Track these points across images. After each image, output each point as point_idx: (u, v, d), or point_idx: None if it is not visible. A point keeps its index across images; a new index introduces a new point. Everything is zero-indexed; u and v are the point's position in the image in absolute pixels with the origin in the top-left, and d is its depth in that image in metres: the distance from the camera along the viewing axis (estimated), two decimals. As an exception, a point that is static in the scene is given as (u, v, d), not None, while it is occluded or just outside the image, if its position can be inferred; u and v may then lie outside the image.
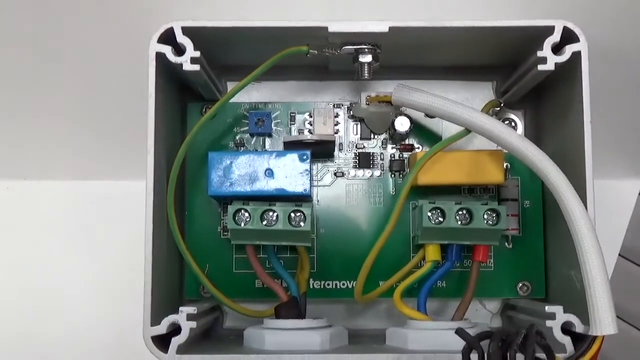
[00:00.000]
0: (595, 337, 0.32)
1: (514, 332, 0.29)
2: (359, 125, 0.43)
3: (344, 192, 0.42)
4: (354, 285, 0.39)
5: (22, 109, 0.47)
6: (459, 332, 0.30)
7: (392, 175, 0.42)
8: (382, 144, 0.43)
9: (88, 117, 0.47)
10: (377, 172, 0.42)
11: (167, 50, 0.36)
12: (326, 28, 0.36)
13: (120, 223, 0.49)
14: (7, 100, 0.47)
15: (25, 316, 0.49)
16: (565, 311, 0.35)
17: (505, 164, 0.42)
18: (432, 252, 0.39)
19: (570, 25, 0.36)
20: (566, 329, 0.35)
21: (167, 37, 0.36)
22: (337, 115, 0.43)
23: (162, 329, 0.35)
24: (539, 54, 0.36)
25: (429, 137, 0.42)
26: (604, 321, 0.32)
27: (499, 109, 0.42)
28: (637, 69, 0.44)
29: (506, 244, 0.42)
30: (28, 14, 0.41)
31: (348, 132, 0.43)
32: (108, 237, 0.49)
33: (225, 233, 0.42)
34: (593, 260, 0.32)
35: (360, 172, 0.43)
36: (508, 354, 0.28)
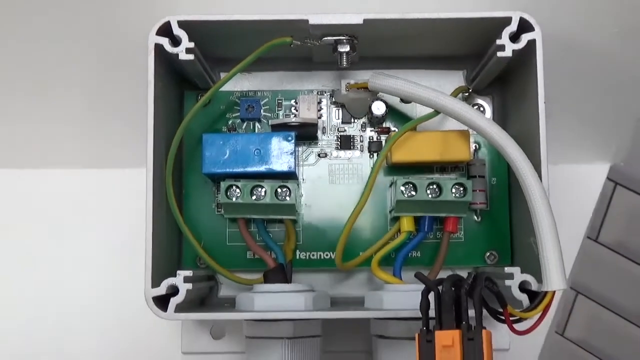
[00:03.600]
0: (546, 293, 0.36)
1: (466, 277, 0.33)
2: (340, 111, 0.47)
3: (326, 171, 0.46)
4: (336, 255, 0.43)
5: (28, 102, 0.50)
6: (418, 275, 0.34)
7: (371, 156, 0.46)
8: (361, 127, 0.46)
9: (91, 109, 0.51)
10: (357, 153, 0.46)
11: (164, 41, 0.40)
12: (307, 20, 0.39)
13: (122, 209, 0.52)
14: (15, 93, 0.50)
15: (39, 295, 0.52)
16: (522, 272, 0.39)
17: (473, 145, 0.46)
18: (407, 224, 0.43)
19: (526, 16, 0.39)
20: (523, 287, 0.38)
21: (165, 30, 0.40)
22: (320, 102, 0.46)
23: (161, 290, 0.38)
24: (498, 42, 0.40)
25: (404, 120, 0.46)
26: (554, 278, 0.35)
27: (467, 94, 0.46)
28: (599, 58, 0.47)
29: (475, 217, 0.46)
30: (36, 8, 0.44)
31: (330, 117, 0.47)
32: (111, 221, 0.52)
33: (219, 209, 0.46)
34: (544, 223, 0.36)
35: (342, 153, 0.46)
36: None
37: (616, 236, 1.16)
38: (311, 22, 0.40)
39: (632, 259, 1.16)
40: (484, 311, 0.36)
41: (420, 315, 0.33)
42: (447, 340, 0.32)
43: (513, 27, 0.40)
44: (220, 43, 0.43)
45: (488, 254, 0.46)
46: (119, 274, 0.50)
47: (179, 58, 0.40)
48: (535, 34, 0.39)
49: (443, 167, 0.46)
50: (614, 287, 1.22)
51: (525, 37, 0.39)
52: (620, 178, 1.10)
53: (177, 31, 0.40)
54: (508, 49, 0.40)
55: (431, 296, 0.33)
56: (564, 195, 0.52)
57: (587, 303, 1.26)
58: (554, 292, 0.36)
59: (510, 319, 0.36)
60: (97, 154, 0.53)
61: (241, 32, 0.41)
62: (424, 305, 0.33)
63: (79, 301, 0.51)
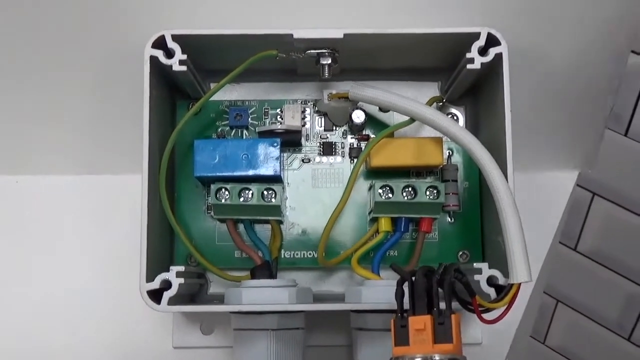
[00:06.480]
0: (512, 285, 0.39)
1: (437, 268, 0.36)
2: (322, 119, 0.49)
3: (310, 175, 0.49)
4: (319, 254, 0.46)
5: (27, 110, 0.52)
6: (393, 266, 0.37)
7: (351, 161, 0.49)
8: (342, 135, 0.49)
9: (88, 117, 0.53)
10: (338, 159, 0.49)
11: (159, 53, 0.43)
12: (292, 35, 0.43)
13: (116, 213, 0.54)
14: (14, 101, 0.52)
15: (35, 294, 0.54)
16: (490, 267, 0.42)
17: (447, 151, 0.49)
18: (384, 224, 0.46)
19: (493, 32, 0.43)
20: (491, 282, 0.41)
21: (160, 43, 0.43)
22: (304, 111, 0.49)
23: (155, 284, 0.41)
24: (468, 55, 0.43)
25: (383, 128, 0.48)
26: (519, 271, 0.38)
27: (441, 104, 0.49)
28: (563, 70, 0.51)
29: (448, 218, 0.49)
30: (40, 20, 0.47)
31: (314, 125, 0.49)
32: (107, 225, 0.55)
33: (209, 211, 0.48)
34: (510, 220, 0.38)
35: (324, 159, 0.49)
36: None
37: (594, 245, 1.20)
38: (295, 36, 0.43)
39: (610, 268, 1.20)
40: (458, 304, 0.39)
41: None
42: (420, 324, 0.35)
43: (482, 41, 0.43)
44: (211, 55, 0.45)
45: (461, 252, 0.49)
46: (114, 275, 0.53)
47: (173, 69, 0.43)
48: (502, 48, 0.43)
49: (419, 171, 0.49)
50: (593, 295, 1.25)
51: (492, 51, 0.43)
52: (598, 188, 1.13)
53: (171, 44, 0.43)
54: (477, 61, 0.43)
55: (405, 286, 0.37)
56: (534, 201, 0.55)
57: (567, 311, 1.29)
58: (519, 284, 0.38)
59: (480, 309, 0.39)
60: (93, 160, 0.55)
61: (230, 45, 0.44)
62: (399, 293, 0.36)
63: (74, 300, 0.53)
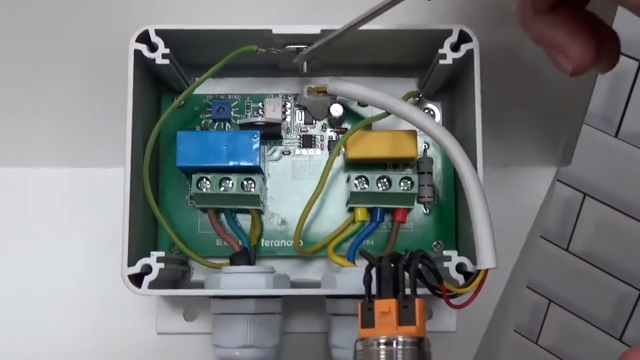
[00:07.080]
0: (479, 271, 0.40)
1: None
2: (302, 112, 0.51)
3: (290, 167, 0.50)
4: (298, 243, 0.48)
5: (15, 102, 0.54)
6: (362, 252, 0.38)
7: (330, 154, 0.51)
8: (322, 128, 0.51)
9: (75, 110, 0.54)
10: (317, 151, 0.51)
11: (143, 47, 0.44)
12: (270, 30, 0.44)
13: (103, 205, 0.54)
14: (2, 93, 0.53)
15: (22, 283, 0.55)
16: (459, 255, 0.43)
17: (423, 144, 0.51)
18: (360, 214, 0.48)
19: (465, 29, 0.44)
20: (460, 269, 0.43)
21: (143, 37, 0.44)
22: (285, 104, 0.51)
23: (136, 269, 0.43)
24: (440, 51, 0.44)
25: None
26: (486, 258, 0.39)
27: (417, 99, 0.51)
28: (540, 68, 0.52)
29: (423, 209, 0.50)
30: (26, 14, 0.49)
31: (294, 118, 0.51)
32: (96, 217, 0.56)
33: (192, 201, 0.50)
34: (477, 208, 0.40)
35: (304, 151, 0.51)
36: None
37: (586, 246, 1.21)
38: (274, 31, 0.44)
39: (601, 268, 1.21)
40: (428, 291, 0.40)
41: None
42: (385, 307, 0.36)
43: (454, 38, 0.44)
44: (194, 50, 0.47)
45: (435, 243, 0.50)
46: (101, 264, 0.54)
47: (156, 62, 0.45)
48: (473, 44, 0.44)
49: (395, 164, 0.50)
50: (585, 296, 1.27)
51: (464, 47, 0.44)
52: (589, 189, 1.15)
53: (155, 38, 0.44)
54: (449, 57, 0.44)
55: (373, 271, 0.38)
56: (510, 196, 0.57)
57: (559, 311, 1.31)
58: (486, 270, 0.40)
59: (448, 294, 0.40)
60: (80, 153, 0.56)
61: (212, 40, 0.45)
62: (367, 278, 0.38)
63: (60, 288, 0.55)
